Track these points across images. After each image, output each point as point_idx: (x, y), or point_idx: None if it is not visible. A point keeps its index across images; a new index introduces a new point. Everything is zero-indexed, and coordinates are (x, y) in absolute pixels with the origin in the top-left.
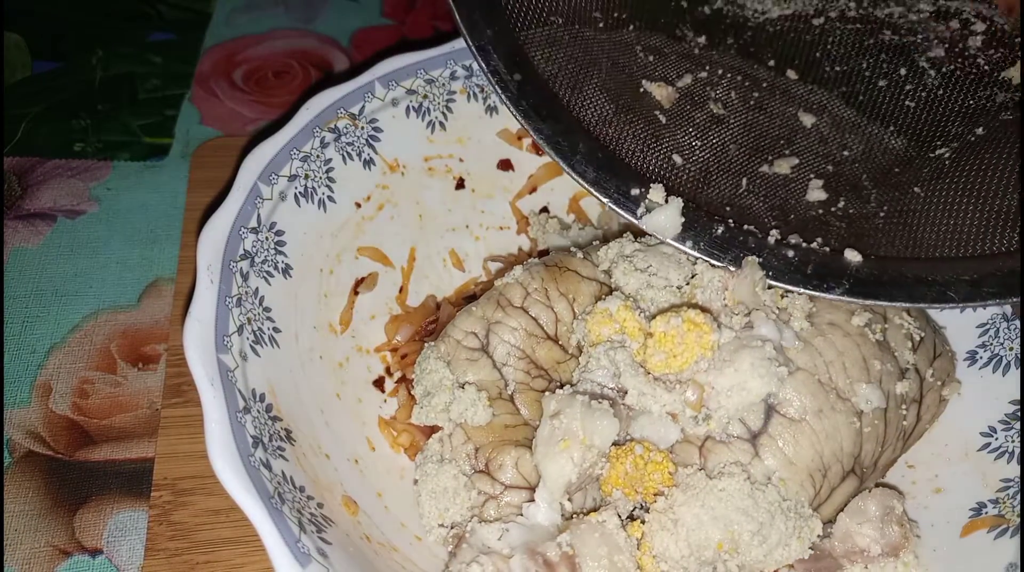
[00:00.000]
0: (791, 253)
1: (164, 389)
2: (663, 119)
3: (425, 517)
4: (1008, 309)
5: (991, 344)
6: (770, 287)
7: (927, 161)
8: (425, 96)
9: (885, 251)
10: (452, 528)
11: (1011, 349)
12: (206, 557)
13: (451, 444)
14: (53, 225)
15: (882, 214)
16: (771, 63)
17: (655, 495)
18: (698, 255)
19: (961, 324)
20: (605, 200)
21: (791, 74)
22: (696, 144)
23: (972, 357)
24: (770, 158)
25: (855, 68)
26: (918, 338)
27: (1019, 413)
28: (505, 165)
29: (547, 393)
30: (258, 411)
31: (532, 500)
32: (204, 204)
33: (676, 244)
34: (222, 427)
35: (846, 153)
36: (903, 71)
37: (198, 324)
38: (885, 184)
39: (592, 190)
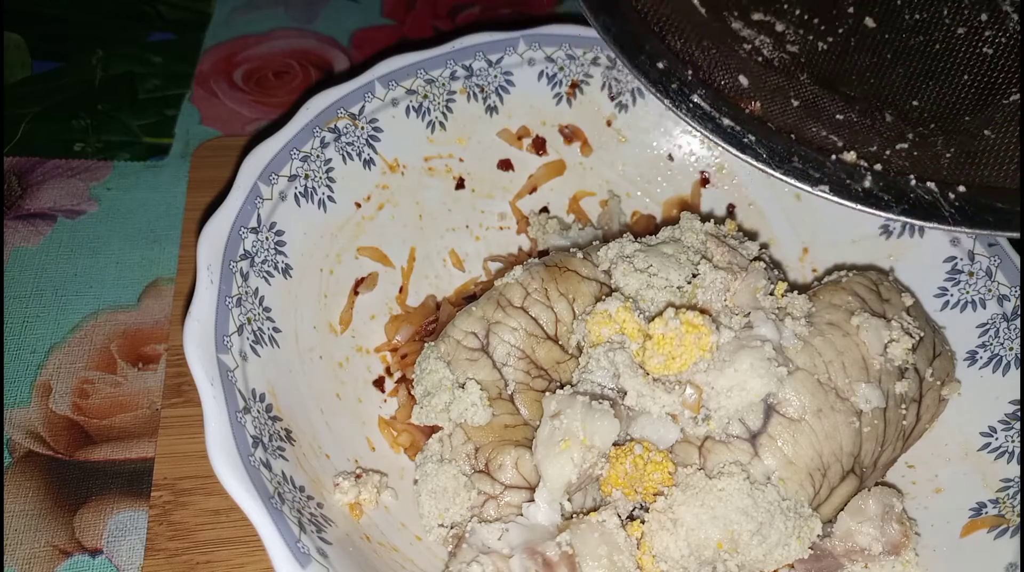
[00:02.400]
0: (846, 173)
1: (164, 389)
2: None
3: (425, 517)
4: (1008, 309)
5: (991, 344)
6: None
7: (1000, 107)
8: (425, 96)
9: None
10: (452, 528)
11: (1011, 349)
12: (206, 557)
13: (451, 444)
14: (53, 225)
15: (948, 155)
16: (851, 9)
17: (655, 495)
18: (757, 164)
19: (961, 324)
20: (666, 102)
21: (869, 22)
22: (765, 73)
23: (972, 357)
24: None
25: (935, 15)
26: (917, 337)
27: (1019, 413)
28: (505, 165)
29: (547, 393)
30: (258, 411)
31: (532, 500)
32: (204, 204)
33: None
34: (222, 427)
35: (915, 103)
36: (984, 16)
37: (198, 324)
38: (953, 131)
39: (652, 89)
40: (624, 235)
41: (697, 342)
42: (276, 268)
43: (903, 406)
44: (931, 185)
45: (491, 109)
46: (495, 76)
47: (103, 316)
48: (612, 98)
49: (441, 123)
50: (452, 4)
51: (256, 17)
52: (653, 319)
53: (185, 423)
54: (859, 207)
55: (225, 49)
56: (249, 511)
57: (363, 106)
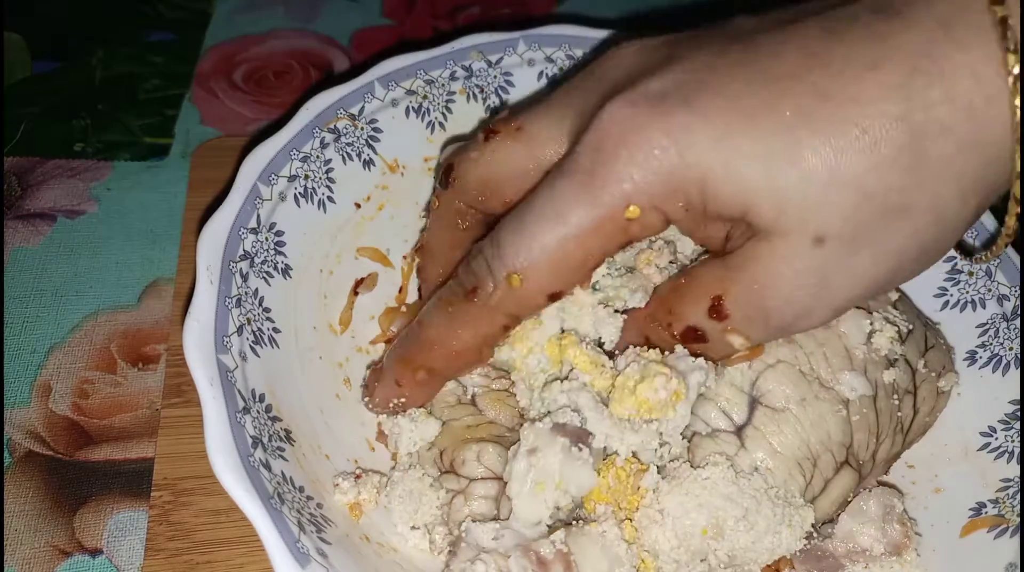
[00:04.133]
0: None
1: (164, 389)
2: None
3: (398, 525)
4: (1008, 309)
5: (991, 344)
6: None
7: None
8: (425, 97)
9: None
10: (430, 531)
11: (1011, 349)
12: (206, 557)
13: (418, 456)
14: (53, 225)
15: None
16: None
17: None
18: None
19: (961, 324)
20: None
21: None
22: None
23: (972, 357)
24: None
25: None
26: (906, 330)
27: (1019, 413)
28: None
29: (525, 423)
30: (258, 411)
31: (502, 490)
32: (204, 204)
33: None
34: (222, 427)
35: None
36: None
37: (197, 324)
38: None
39: None
40: None
41: (666, 385)
42: (276, 268)
43: (895, 397)
44: None
45: (491, 110)
46: (495, 77)
47: (103, 316)
48: None
49: (441, 123)
50: (452, 4)
51: (256, 17)
52: (615, 355)
53: (185, 423)
54: None
55: (225, 49)
56: (248, 511)
57: (363, 106)
